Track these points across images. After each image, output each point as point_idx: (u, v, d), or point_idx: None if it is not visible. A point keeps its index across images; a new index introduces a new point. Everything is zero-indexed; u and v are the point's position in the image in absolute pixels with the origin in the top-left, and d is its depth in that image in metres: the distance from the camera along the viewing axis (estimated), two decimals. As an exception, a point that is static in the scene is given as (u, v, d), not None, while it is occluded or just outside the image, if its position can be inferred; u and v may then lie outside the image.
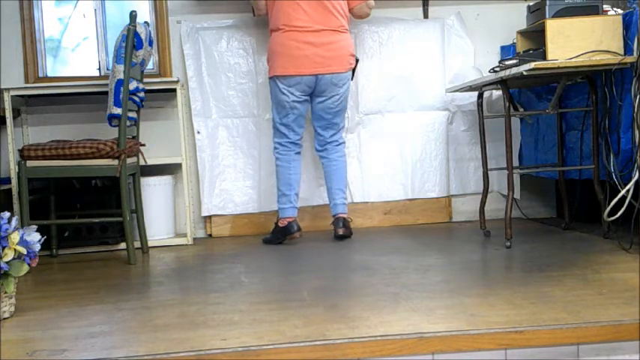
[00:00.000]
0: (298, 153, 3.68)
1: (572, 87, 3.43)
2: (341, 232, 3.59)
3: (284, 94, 3.52)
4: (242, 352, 1.80)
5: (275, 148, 3.69)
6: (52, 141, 3.47)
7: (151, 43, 3.46)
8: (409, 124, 4.16)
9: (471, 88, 3.64)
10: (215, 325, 2.07)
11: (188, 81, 4.04)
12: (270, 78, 3.58)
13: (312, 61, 3.47)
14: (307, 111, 3.66)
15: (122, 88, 3.22)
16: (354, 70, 3.65)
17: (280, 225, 3.63)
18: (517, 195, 4.07)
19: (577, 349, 1.85)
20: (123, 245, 3.58)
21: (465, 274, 2.66)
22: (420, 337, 1.84)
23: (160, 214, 3.88)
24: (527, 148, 3.97)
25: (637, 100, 2.78)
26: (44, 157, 3.23)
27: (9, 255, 2.24)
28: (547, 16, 3.06)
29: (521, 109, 3.78)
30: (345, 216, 3.65)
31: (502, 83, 3.20)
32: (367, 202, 4.16)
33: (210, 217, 4.08)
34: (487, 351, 1.84)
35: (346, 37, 3.58)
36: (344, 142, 3.75)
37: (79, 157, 3.23)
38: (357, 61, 3.66)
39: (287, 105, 3.55)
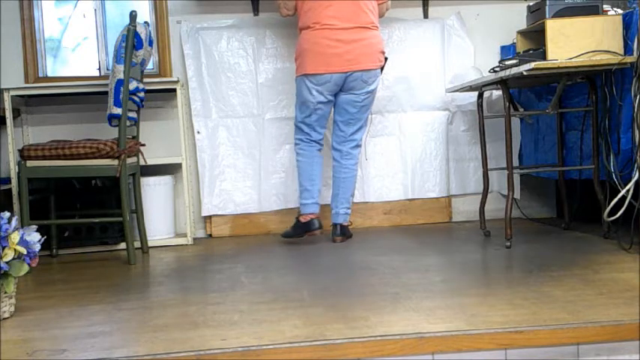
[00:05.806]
0: (320, 150, 3.65)
1: (572, 87, 3.42)
2: (338, 240, 3.59)
3: (311, 94, 3.49)
4: (242, 352, 1.80)
5: (296, 144, 3.65)
6: (52, 141, 3.47)
7: (150, 43, 3.46)
8: (409, 124, 4.16)
9: (471, 88, 3.64)
10: (215, 325, 2.07)
11: (188, 81, 4.04)
12: (299, 76, 3.54)
13: (343, 59, 3.43)
14: (330, 112, 3.63)
15: (122, 88, 3.22)
16: (382, 68, 3.58)
17: (302, 220, 3.60)
18: (517, 195, 4.07)
19: (577, 349, 1.85)
20: (123, 245, 3.58)
21: (465, 274, 2.66)
22: (420, 337, 1.84)
23: (160, 214, 3.88)
24: (527, 148, 3.97)
25: (637, 100, 2.78)
26: (44, 157, 3.23)
27: (9, 255, 2.24)
28: (547, 16, 3.06)
29: (521, 109, 3.78)
30: (345, 224, 3.65)
31: (502, 83, 3.20)
32: (367, 202, 4.16)
33: (210, 217, 4.08)
34: (487, 351, 1.84)
35: (376, 34, 3.53)
36: (360, 147, 3.69)
37: (79, 157, 3.23)
38: (385, 59, 3.59)
39: (311, 105, 3.52)
